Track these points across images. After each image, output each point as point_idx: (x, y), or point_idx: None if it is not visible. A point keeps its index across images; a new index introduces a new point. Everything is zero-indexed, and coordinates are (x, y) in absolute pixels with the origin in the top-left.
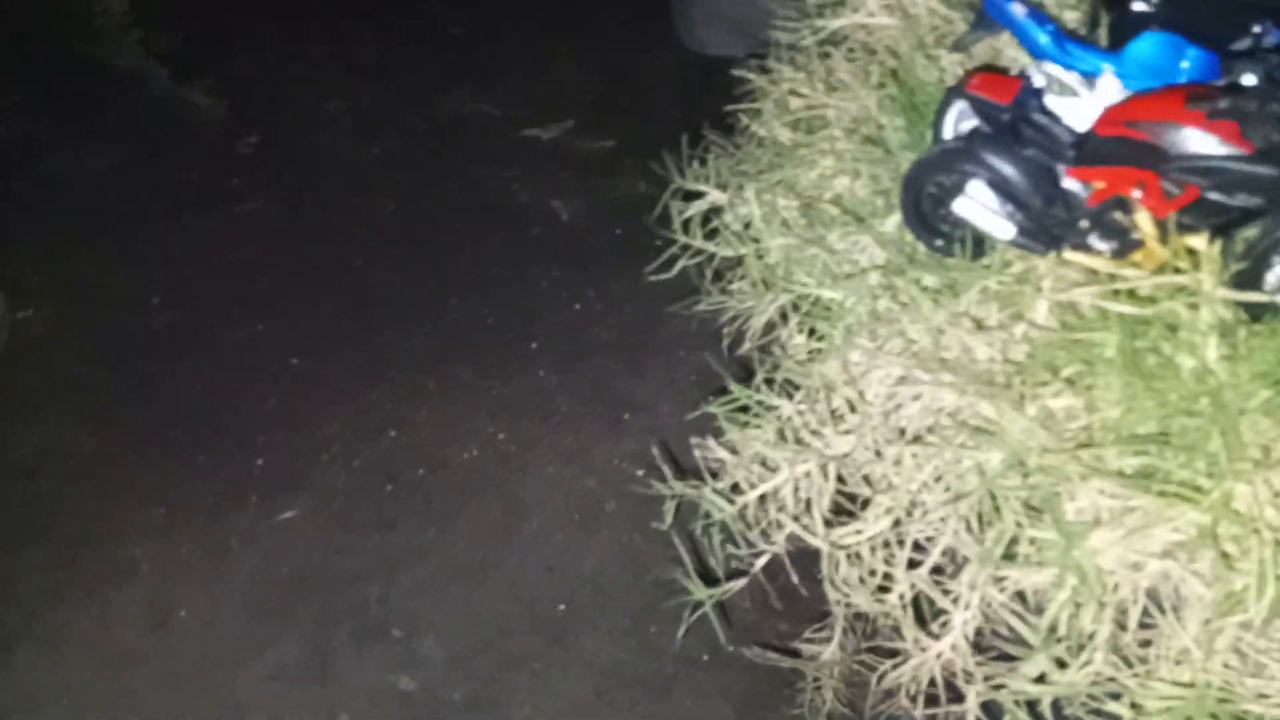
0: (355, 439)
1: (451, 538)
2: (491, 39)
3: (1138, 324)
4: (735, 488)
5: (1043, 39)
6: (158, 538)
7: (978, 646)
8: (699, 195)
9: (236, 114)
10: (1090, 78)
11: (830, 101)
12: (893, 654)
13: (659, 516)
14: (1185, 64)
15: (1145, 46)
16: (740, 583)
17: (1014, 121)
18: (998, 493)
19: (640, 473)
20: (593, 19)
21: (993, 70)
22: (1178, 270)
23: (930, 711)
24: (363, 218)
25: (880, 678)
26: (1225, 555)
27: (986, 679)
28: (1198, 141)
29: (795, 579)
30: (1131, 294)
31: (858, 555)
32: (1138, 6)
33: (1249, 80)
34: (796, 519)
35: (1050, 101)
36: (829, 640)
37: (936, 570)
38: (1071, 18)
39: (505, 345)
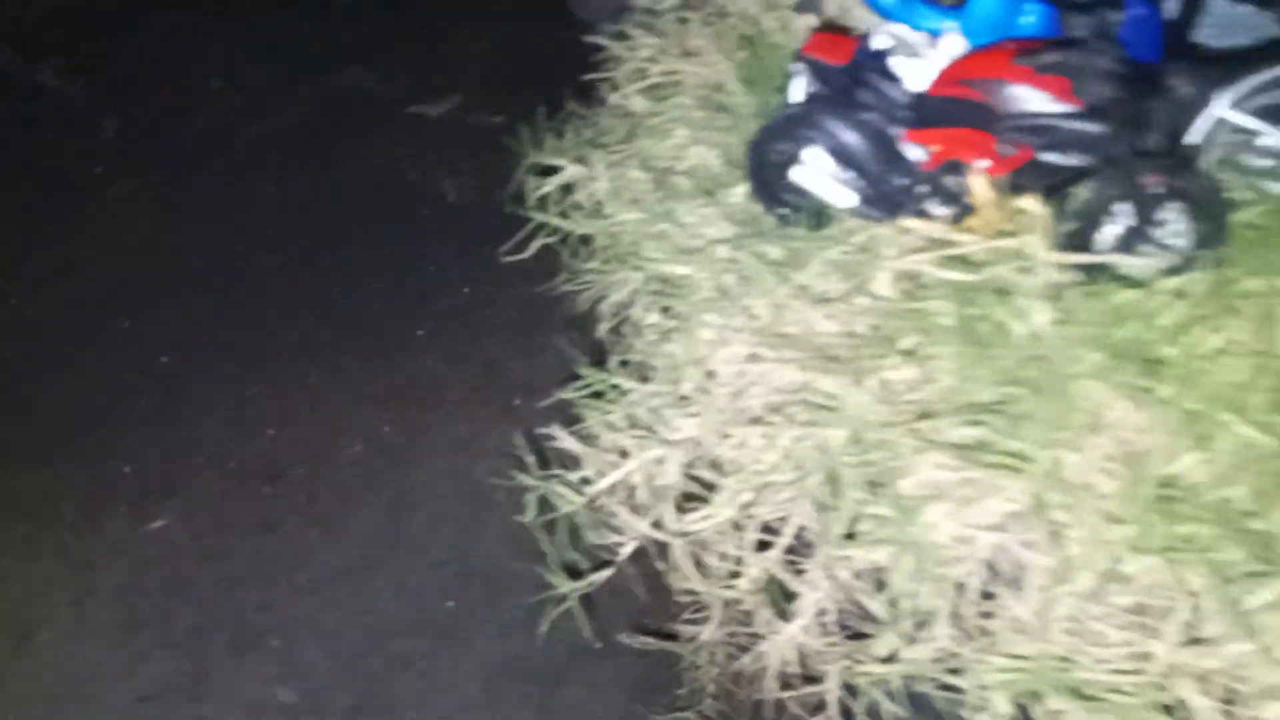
0: (232, 439)
1: (335, 537)
2: (384, 14)
3: (971, 290)
4: (585, 479)
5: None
6: (19, 555)
7: (842, 626)
8: (556, 170)
9: (101, 95)
10: (936, 36)
11: (684, 68)
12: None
13: (547, 508)
14: (1027, 19)
15: (987, 3)
16: (605, 574)
17: (849, 84)
18: (838, 471)
19: (532, 460)
20: (487, 3)
21: (835, 32)
22: (1008, 234)
23: (794, 693)
24: (242, 202)
25: (754, 661)
26: (1054, 525)
27: (839, 659)
28: (1029, 99)
29: (663, 566)
30: (966, 260)
31: (705, 542)
32: None
33: (1081, 34)
34: (647, 507)
35: (897, 63)
36: (706, 624)
37: (790, 552)
38: None
39: (392, 333)
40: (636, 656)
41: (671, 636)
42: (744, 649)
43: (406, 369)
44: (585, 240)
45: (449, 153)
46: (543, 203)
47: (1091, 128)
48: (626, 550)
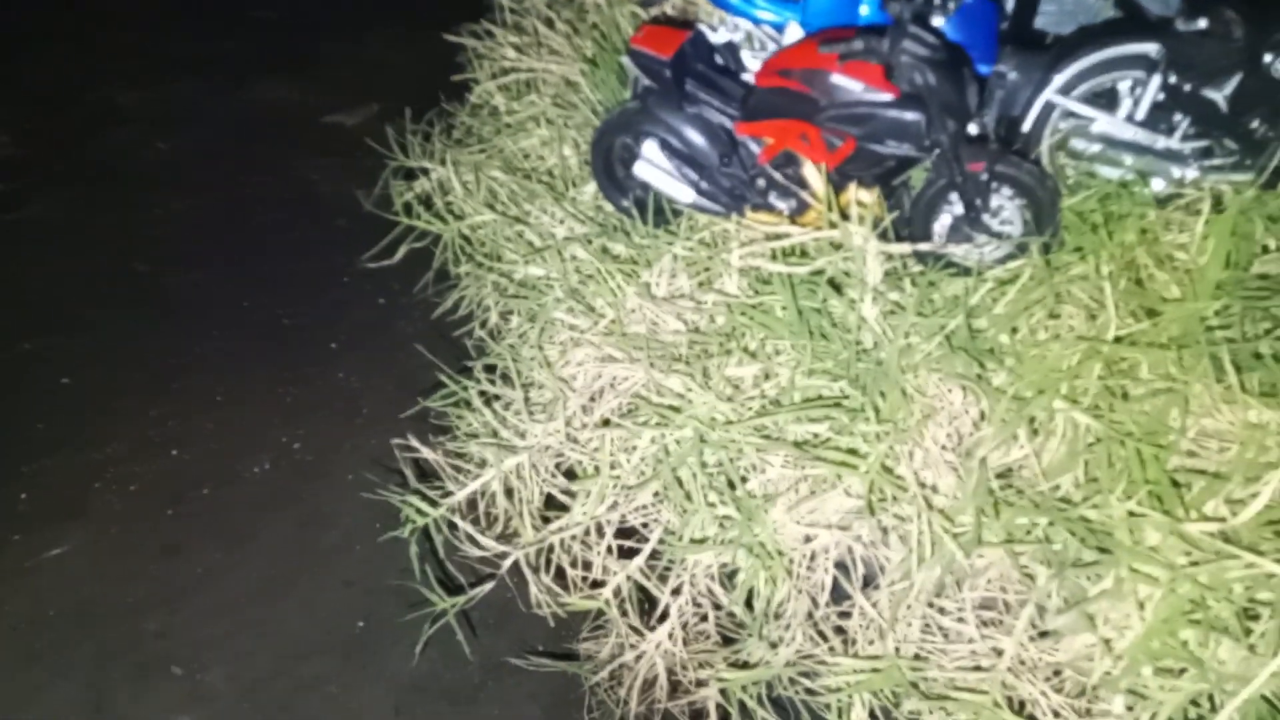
0: (134, 460)
1: (241, 559)
2: (303, 26)
3: (808, 284)
4: (445, 491)
5: None
6: None
7: (708, 634)
8: (425, 172)
9: (2, 112)
10: (780, 29)
11: (540, 65)
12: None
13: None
14: (864, 9)
15: None
16: (486, 588)
17: (677, 76)
18: (684, 473)
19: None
20: (408, 8)
21: (667, 25)
22: (834, 225)
23: (679, 703)
24: (152, 218)
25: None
26: (894, 521)
27: (708, 666)
28: (843, 88)
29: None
30: (804, 253)
31: (569, 550)
32: None
33: (896, 18)
34: (508, 517)
35: (746, 58)
36: (607, 637)
37: (655, 555)
38: None
39: (304, 346)
40: (550, 671)
41: (572, 656)
42: (627, 666)
43: (318, 383)
44: (447, 244)
45: (365, 162)
46: (408, 208)
47: (908, 115)
48: (508, 562)
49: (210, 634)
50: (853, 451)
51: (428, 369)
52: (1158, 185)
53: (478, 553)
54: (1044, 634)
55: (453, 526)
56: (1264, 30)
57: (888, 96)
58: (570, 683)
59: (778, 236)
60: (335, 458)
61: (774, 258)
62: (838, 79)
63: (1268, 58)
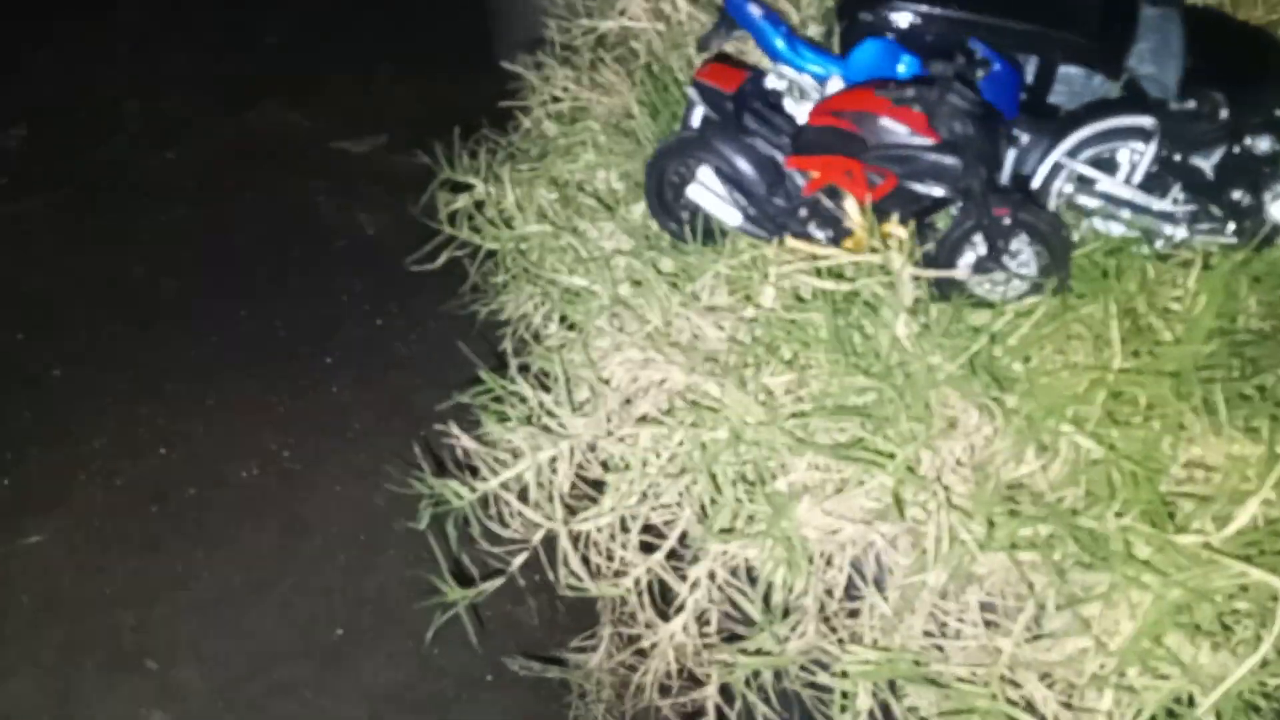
0: (120, 455)
1: (222, 560)
2: (309, 50)
3: (842, 302)
4: (478, 476)
5: (778, 42)
6: None
7: (719, 629)
8: (468, 187)
9: (8, 105)
10: (821, 81)
11: (593, 97)
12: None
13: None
14: (901, 68)
15: (867, 52)
16: (497, 582)
17: (738, 110)
18: (717, 469)
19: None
20: (416, 37)
21: (728, 63)
22: (875, 251)
23: (673, 700)
24: (151, 223)
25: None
26: (913, 521)
27: (716, 660)
28: (891, 130)
29: (552, 573)
30: (838, 274)
31: (594, 542)
32: (864, 16)
33: (940, 75)
34: (538, 506)
35: (788, 104)
36: (597, 646)
37: (673, 555)
38: (816, 31)
39: (298, 359)
40: (526, 685)
41: (561, 662)
42: (631, 668)
43: (310, 395)
44: (492, 255)
45: (370, 189)
46: (453, 218)
47: (947, 160)
48: (519, 560)
49: (185, 632)
50: (880, 453)
51: (420, 389)
52: (1155, 243)
53: (492, 545)
54: (1038, 636)
55: (472, 515)
56: (1245, 114)
57: (930, 141)
58: (544, 699)
59: (820, 257)
60: (322, 468)
61: (818, 274)
62: (886, 121)
63: (1248, 139)
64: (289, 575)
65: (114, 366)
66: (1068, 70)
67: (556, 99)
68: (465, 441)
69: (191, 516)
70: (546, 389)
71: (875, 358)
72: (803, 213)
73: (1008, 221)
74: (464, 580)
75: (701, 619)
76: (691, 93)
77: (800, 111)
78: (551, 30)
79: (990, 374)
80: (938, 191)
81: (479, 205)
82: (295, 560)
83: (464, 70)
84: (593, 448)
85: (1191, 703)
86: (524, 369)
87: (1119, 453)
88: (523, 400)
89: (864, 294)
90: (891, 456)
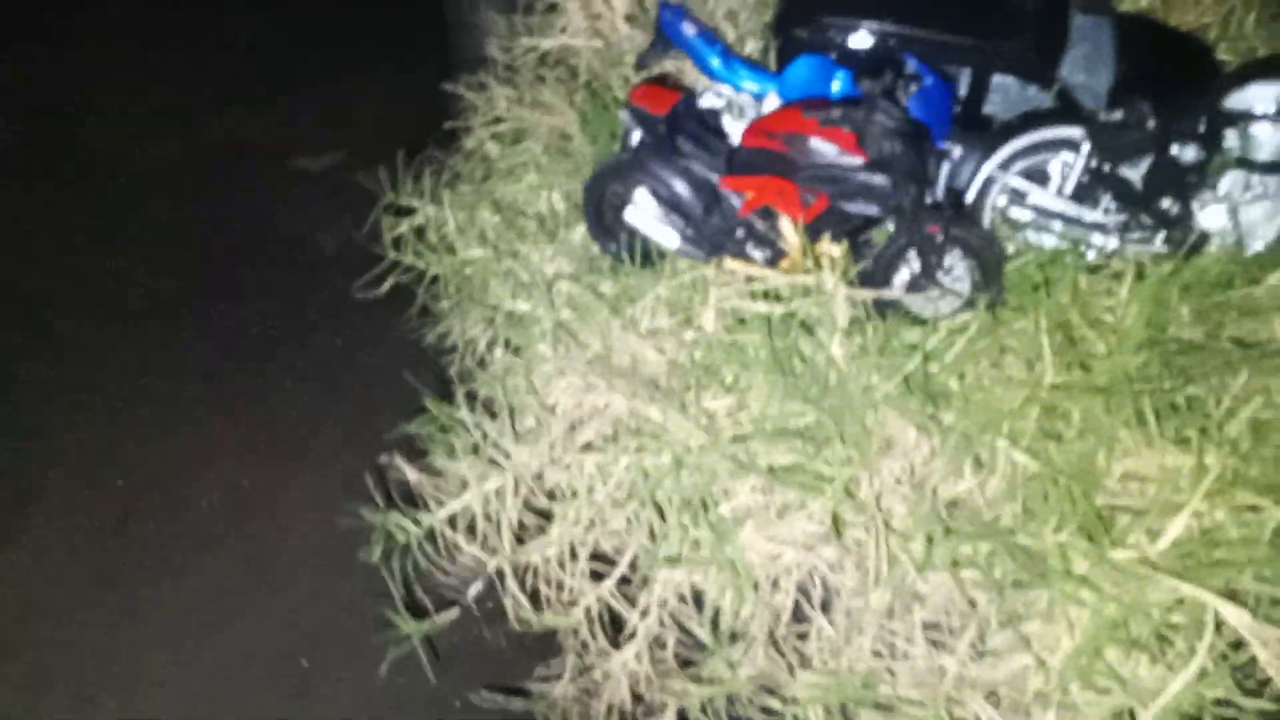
0: (79, 488)
1: (184, 592)
2: (277, 58)
3: (779, 324)
4: (425, 510)
5: (713, 61)
6: None
7: (680, 658)
8: (412, 211)
9: None
10: (758, 98)
11: (534, 118)
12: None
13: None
14: (835, 84)
15: (801, 69)
16: (452, 613)
17: (670, 132)
18: (661, 495)
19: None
20: (379, 51)
21: (662, 85)
22: (809, 272)
23: None
24: (103, 235)
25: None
26: (854, 543)
27: (671, 688)
28: (820, 151)
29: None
30: (775, 296)
31: (543, 572)
32: (799, 33)
33: (868, 94)
34: (485, 539)
35: (725, 121)
36: (560, 675)
37: (625, 581)
38: (755, 47)
39: (258, 382)
40: (500, 714)
41: (525, 693)
42: (590, 693)
43: (270, 419)
44: (436, 279)
45: (327, 205)
46: (398, 243)
47: (876, 179)
48: (473, 590)
49: (148, 665)
50: (819, 477)
51: (376, 414)
52: (1088, 254)
53: (444, 577)
54: (983, 654)
55: (419, 550)
56: (1172, 122)
57: (859, 161)
58: None
59: (756, 279)
60: (284, 494)
61: (753, 298)
62: (816, 142)
63: (1175, 148)
64: (252, 605)
65: (75, 401)
66: (1002, 80)
67: (498, 120)
68: (411, 474)
69: (152, 547)
70: (493, 415)
71: (813, 379)
72: (740, 233)
73: (940, 238)
74: (419, 611)
75: (656, 645)
76: (624, 115)
77: (736, 130)
78: (494, 50)
79: (926, 392)
80: (869, 210)
81: (419, 231)
82: (258, 589)
83: (427, 84)
84: (539, 476)
85: (1133, 717)
86: (471, 396)
87: (1054, 468)
88: (469, 429)
89: (800, 315)
90: (830, 480)
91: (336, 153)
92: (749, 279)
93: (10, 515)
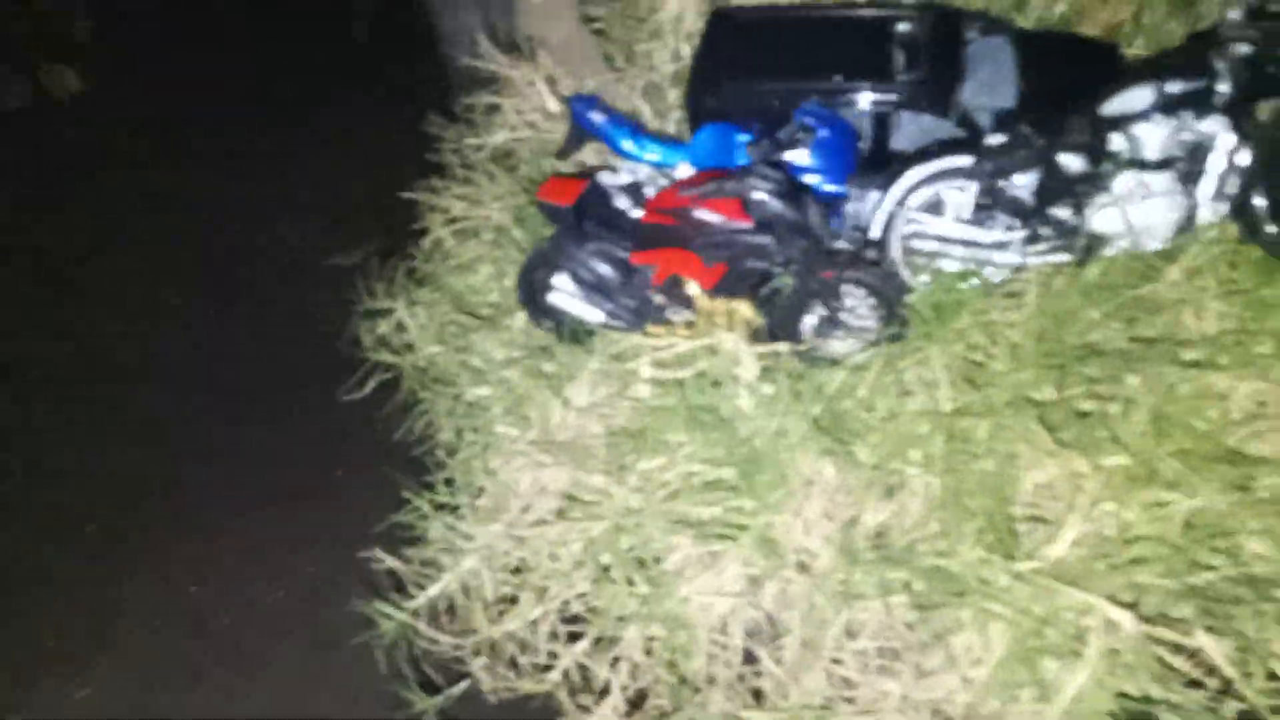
0: (156, 597)
1: (260, 683)
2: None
3: (696, 384)
4: (406, 594)
5: (624, 143)
6: None
7: (656, 710)
8: (389, 312)
9: None
10: (671, 168)
11: (481, 213)
12: None
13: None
14: (740, 149)
15: (706, 137)
16: (461, 686)
17: (578, 219)
18: (606, 559)
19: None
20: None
21: (576, 175)
22: (711, 333)
23: None
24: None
25: None
26: (783, 584)
27: None
28: (707, 221)
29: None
30: (692, 358)
31: (521, 640)
32: (707, 101)
33: (752, 160)
34: (467, 616)
35: (620, 202)
36: None
37: (601, 640)
38: (680, 117)
39: (310, 474)
40: None
41: None
42: None
43: (326, 509)
44: (406, 375)
45: (363, 300)
46: (376, 343)
47: (761, 239)
48: (478, 662)
49: None
50: (740, 527)
51: (370, 508)
52: (998, 273)
53: (444, 650)
54: (925, 675)
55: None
56: (1055, 136)
57: (745, 225)
58: None
59: (664, 348)
60: (345, 581)
61: (663, 365)
62: (701, 213)
63: (1060, 158)
64: (325, 689)
65: (141, 509)
66: (904, 116)
67: (454, 219)
68: (392, 563)
69: (229, 644)
70: (459, 496)
71: (731, 431)
72: (659, 300)
73: (835, 282)
74: (431, 686)
75: (636, 699)
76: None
77: (634, 208)
78: (444, 154)
79: (840, 428)
80: (763, 267)
81: (399, 325)
82: (328, 673)
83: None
84: (506, 553)
85: None
86: (449, 482)
87: (964, 488)
88: (441, 514)
89: (711, 374)
90: (745, 528)
91: (369, 245)
92: (659, 347)
93: (92, 633)
